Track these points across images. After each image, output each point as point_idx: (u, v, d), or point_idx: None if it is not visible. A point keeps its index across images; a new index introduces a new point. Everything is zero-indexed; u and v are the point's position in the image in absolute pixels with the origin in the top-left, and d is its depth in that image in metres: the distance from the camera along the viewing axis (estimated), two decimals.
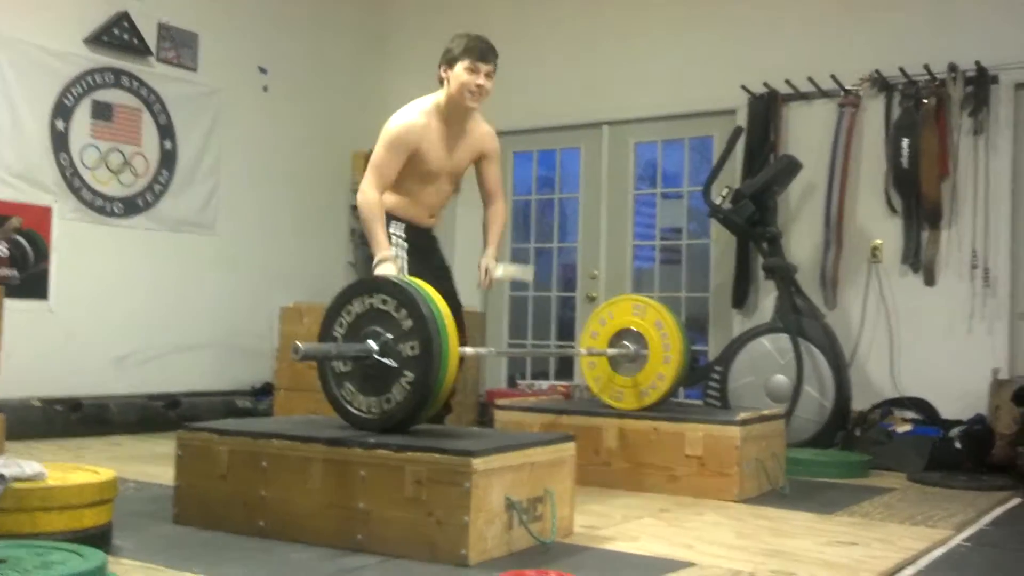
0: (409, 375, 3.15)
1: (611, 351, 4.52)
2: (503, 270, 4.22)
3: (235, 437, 3.33)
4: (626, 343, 4.52)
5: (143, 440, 5.83)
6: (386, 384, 3.20)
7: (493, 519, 2.98)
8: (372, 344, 3.20)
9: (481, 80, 3.97)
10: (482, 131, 4.20)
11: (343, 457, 3.10)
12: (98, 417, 5.99)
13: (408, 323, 3.15)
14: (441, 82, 4.03)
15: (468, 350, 3.59)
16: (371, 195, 3.92)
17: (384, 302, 3.21)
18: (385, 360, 3.18)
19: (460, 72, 3.95)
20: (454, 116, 4.04)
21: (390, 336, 3.18)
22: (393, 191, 4.00)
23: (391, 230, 3.98)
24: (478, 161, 4.23)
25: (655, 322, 4.48)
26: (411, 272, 3.90)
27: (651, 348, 4.48)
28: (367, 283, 3.37)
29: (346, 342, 3.27)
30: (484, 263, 4.15)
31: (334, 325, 3.32)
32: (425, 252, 4.14)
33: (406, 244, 4.03)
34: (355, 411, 3.28)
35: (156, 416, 6.24)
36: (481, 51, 3.96)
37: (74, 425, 5.83)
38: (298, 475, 3.17)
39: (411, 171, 3.99)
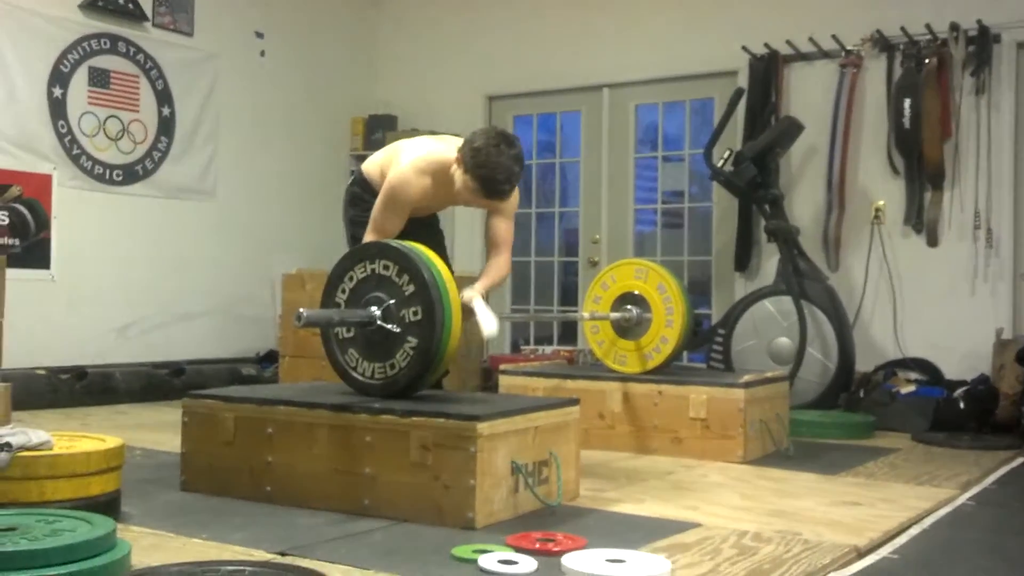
0: (412, 341, 3.15)
1: (614, 315, 4.51)
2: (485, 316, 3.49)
3: (241, 404, 3.34)
4: (629, 307, 4.51)
5: (148, 408, 5.84)
6: (389, 350, 3.20)
7: (499, 482, 2.99)
8: (375, 310, 3.19)
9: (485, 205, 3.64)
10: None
11: (349, 423, 3.10)
12: (103, 386, 5.99)
13: (410, 288, 3.15)
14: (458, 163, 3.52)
15: None
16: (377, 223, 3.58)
17: (386, 268, 3.21)
18: (388, 326, 3.17)
19: (467, 188, 3.49)
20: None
21: (392, 302, 3.18)
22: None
23: None
24: (488, 212, 3.76)
25: (658, 285, 4.47)
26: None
27: (654, 312, 4.47)
28: (369, 248, 3.36)
29: (348, 308, 3.27)
30: (466, 295, 3.48)
31: (336, 291, 3.31)
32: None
33: None
34: (359, 377, 3.28)
35: (161, 384, 6.25)
36: (495, 191, 3.48)
37: (79, 394, 5.84)
38: (304, 441, 3.17)
39: None
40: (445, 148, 3.64)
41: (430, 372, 3.21)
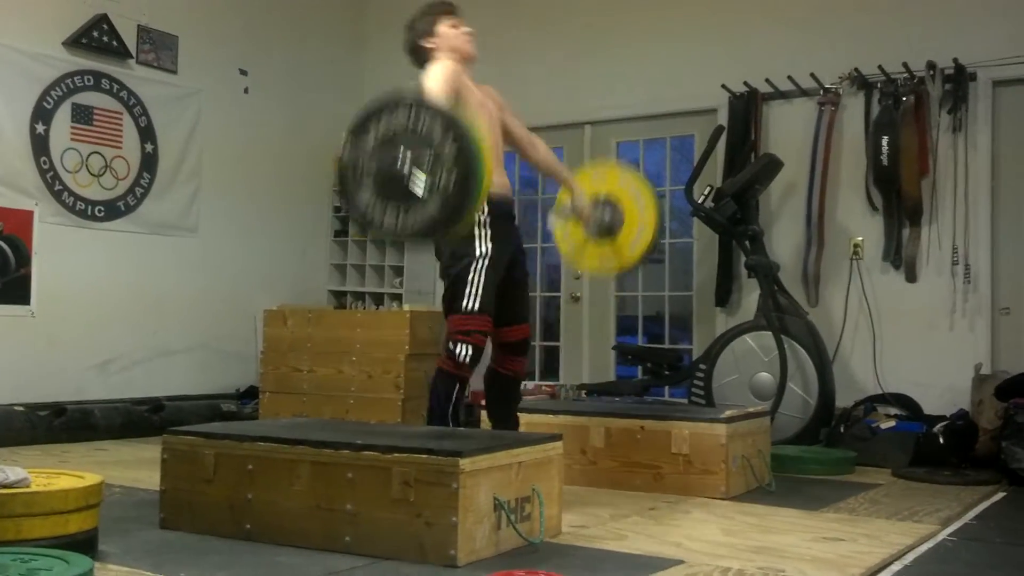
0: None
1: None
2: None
3: (221, 440, 3.32)
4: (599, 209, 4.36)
5: (128, 445, 5.79)
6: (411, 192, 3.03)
7: (481, 519, 2.98)
8: (406, 151, 3.01)
9: (467, 28, 3.91)
10: (485, 88, 3.99)
11: (330, 459, 3.09)
12: (82, 422, 5.93)
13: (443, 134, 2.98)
14: (423, 61, 3.83)
15: None
16: (440, 95, 3.51)
17: (418, 114, 3.02)
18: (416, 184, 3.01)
19: (447, 31, 3.86)
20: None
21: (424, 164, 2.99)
22: None
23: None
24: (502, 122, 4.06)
25: (617, 180, 4.42)
26: (487, 277, 3.77)
27: (624, 202, 4.33)
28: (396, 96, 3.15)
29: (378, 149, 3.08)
30: (577, 203, 4.12)
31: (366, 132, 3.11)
32: (508, 238, 3.96)
33: (490, 232, 3.85)
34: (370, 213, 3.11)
35: (140, 421, 6.20)
36: (452, 7, 3.92)
37: (57, 431, 5.78)
38: (285, 477, 3.16)
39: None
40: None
41: (461, 214, 3.04)
